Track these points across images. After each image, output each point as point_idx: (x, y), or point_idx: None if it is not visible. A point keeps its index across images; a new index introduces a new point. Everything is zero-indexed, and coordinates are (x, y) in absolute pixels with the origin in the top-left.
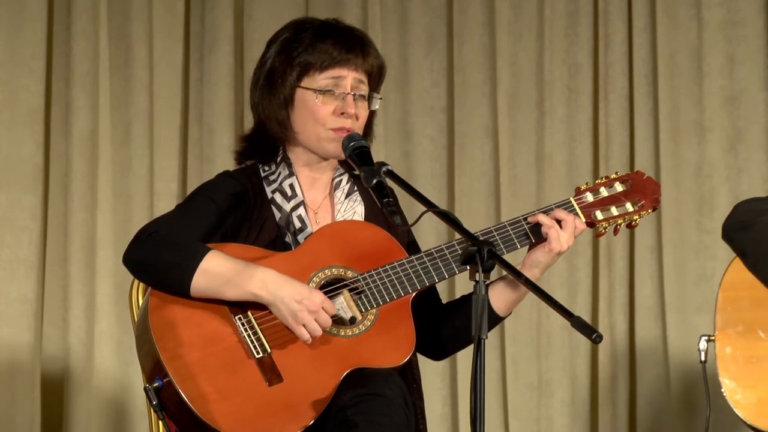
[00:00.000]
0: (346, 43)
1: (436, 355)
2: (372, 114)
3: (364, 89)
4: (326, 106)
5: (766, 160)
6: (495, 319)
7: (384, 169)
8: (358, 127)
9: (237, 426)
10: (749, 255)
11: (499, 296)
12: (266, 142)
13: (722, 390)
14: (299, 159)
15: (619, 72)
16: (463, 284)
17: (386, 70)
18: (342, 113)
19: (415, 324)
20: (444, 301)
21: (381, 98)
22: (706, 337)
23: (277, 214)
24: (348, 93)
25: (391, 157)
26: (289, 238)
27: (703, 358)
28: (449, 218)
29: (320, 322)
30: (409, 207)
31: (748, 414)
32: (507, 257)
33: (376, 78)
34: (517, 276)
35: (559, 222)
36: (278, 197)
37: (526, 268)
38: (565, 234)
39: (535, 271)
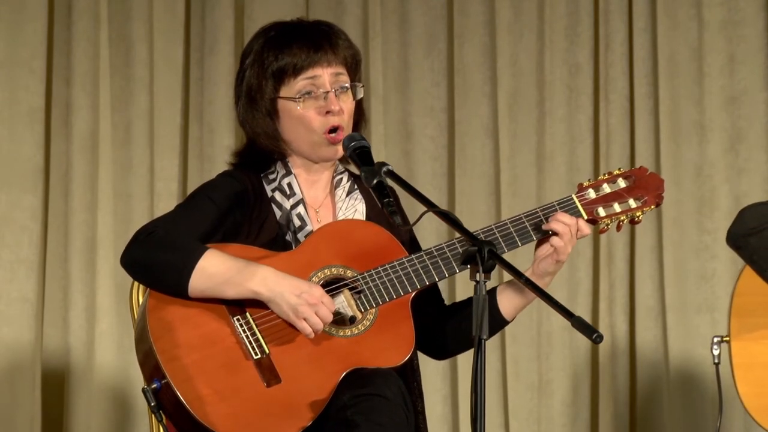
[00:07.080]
0: (313, 42)
1: (439, 355)
2: (359, 103)
3: (345, 80)
4: (309, 109)
5: (766, 161)
6: (501, 323)
7: (384, 169)
8: (347, 121)
9: (234, 428)
10: (758, 261)
11: (507, 300)
12: (260, 155)
13: (739, 397)
14: (296, 163)
15: (619, 72)
16: (463, 284)
17: (361, 56)
18: (327, 112)
19: (417, 323)
20: (446, 301)
21: (363, 86)
22: (719, 338)
23: (278, 213)
24: (328, 91)
25: (392, 157)
26: (289, 237)
27: (716, 360)
28: (449, 218)
29: (321, 315)
30: (410, 207)
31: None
32: (507, 256)
33: (352, 67)
34: (517, 276)
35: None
36: (278, 195)
37: (535, 277)
38: (569, 244)
39: (546, 280)
